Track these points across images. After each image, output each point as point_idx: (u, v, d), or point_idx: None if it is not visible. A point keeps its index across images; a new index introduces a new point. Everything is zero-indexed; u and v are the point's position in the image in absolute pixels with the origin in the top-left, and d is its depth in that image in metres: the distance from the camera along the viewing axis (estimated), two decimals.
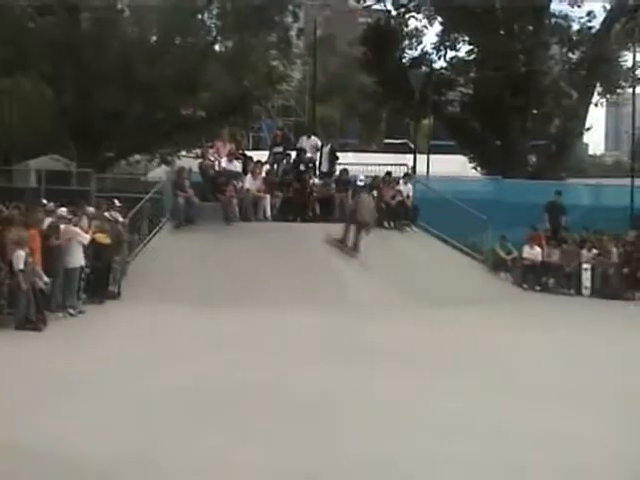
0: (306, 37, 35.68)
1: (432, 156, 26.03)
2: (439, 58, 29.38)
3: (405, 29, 29.37)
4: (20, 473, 5.65)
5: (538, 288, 18.91)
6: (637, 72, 27.13)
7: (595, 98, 28.92)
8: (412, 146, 29.22)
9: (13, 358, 9.47)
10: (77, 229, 13.21)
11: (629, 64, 27.70)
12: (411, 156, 24.66)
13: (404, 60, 29.46)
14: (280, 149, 19.31)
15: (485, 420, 7.29)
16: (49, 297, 12.28)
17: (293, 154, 19.01)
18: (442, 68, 29.50)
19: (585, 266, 18.72)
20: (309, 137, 19.70)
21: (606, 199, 22.43)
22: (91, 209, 14.84)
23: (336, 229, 16.43)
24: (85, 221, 13.80)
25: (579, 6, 28.01)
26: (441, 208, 19.09)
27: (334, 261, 15.83)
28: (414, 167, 23.33)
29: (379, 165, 20.56)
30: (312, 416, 7.31)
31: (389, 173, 19.29)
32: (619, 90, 29.66)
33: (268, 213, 17.39)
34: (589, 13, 27.76)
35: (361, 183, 18.07)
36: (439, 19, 28.95)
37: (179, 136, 27.92)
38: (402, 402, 7.89)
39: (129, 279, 14.93)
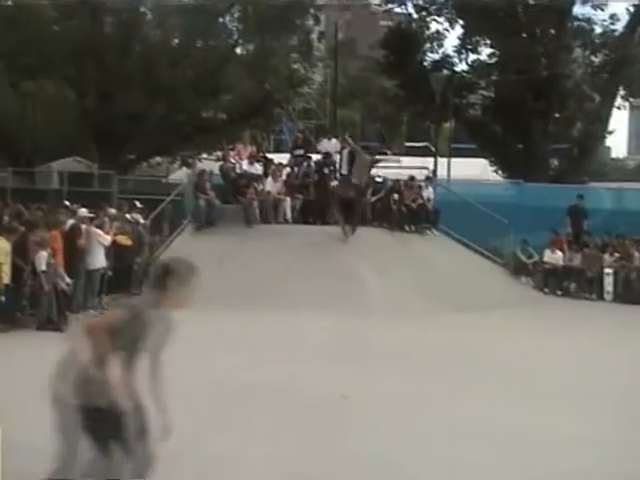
0: (327, 40, 35.76)
1: (453, 159, 25.88)
2: (460, 61, 29.27)
3: (426, 32, 29.20)
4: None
5: (559, 292, 18.79)
6: None
7: (618, 101, 28.66)
8: (433, 149, 29.16)
9: (35, 358, 9.51)
10: (99, 230, 13.31)
11: None
12: (432, 159, 24.61)
13: (425, 63, 29.37)
14: (301, 152, 19.31)
15: (505, 424, 7.24)
16: (71, 298, 12.38)
17: (314, 157, 19.03)
18: (463, 71, 29.33)
19: (607, 271, 18.55)
20: (330, 139, 19.72)
21: (628, 203, 22.17)
22: (113, 211, 14.95)
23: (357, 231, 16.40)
24: (107, 223, 13.91)
25: (602, 9, 27.70)
26: (462, 211, 19.03)
27: (354, 264, 15.79)
28: (435, 170, 23.28)
29: (399, 168, 20.50)
30: (329, 419, 7.30)
31: (412, 178, 19.23)
32: None
33: (288, 215, 17.42)
34: (612, 16, 27.54)
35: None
36: (460, 22, 28.74)
37: (200, 138, 28.09)
38: (422, 406, 7.87)
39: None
